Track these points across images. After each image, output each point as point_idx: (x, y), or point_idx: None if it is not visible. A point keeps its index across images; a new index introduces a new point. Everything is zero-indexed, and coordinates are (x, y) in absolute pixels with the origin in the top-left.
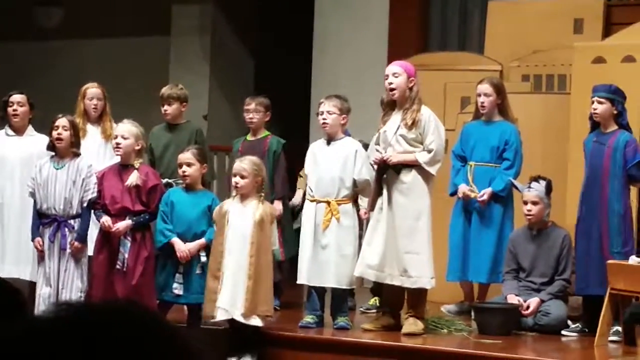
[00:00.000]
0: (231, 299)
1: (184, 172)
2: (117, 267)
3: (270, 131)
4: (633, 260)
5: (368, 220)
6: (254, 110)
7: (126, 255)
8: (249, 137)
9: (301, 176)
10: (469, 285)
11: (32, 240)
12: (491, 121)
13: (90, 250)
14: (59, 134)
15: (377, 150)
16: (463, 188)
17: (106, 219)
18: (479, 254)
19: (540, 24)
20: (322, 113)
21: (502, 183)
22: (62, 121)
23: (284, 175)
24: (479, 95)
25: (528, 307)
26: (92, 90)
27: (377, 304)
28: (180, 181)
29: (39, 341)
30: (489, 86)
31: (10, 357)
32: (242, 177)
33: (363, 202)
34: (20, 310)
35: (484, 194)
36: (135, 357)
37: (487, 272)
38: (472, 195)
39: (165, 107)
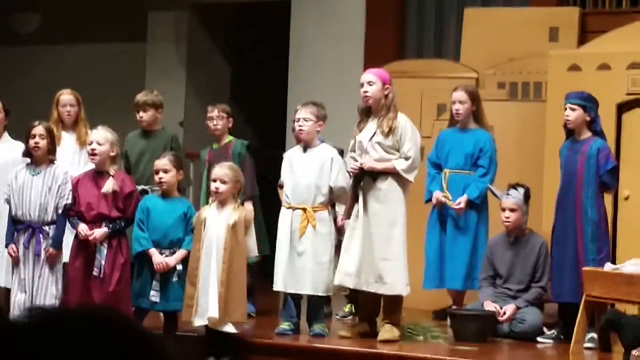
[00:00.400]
0: (206, 305)
1: (160, 178)
2: (94, 273)
3: (246, 138)
4: (608, 267)
5: (343, 227)
6: (217, 117)
7: (102, 262)
8: (215, 146)
9: (281, 187)
10: (452, 291)
11: (6, 246)
12: (466, 128)
13: (65, 257)
14: (36, 142)
15: (352, 158)
16: (437, 195)
17: (83, 227)
18: (453, 260)
19: (516, 31)
20: (298, 120)
21: (477, 190)
22: (39, 129)
23: (251, 176)
24: (454, 102)
25: (504, 314)
26: (65, 97)
27: (353, 311)
28: (156, 188)
29: (13, 346)
30: (464, 93)
31: None
32: (223, 182)
33: (340, 209)
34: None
35: (460, 202)
36: None
37: (462, 279)
38: (447, 202)
39: (141, 113)
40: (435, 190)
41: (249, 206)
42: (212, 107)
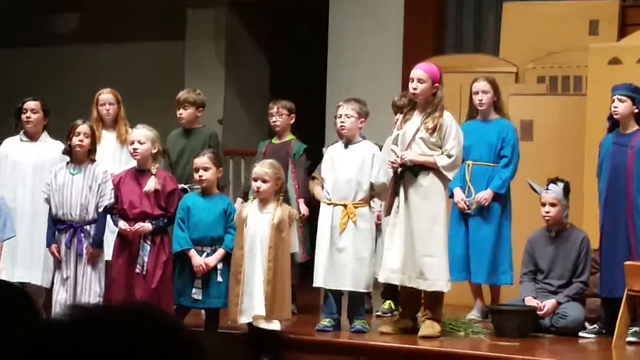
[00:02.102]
0: (251, 303)
1: (200, 176)
2: (137, 271)
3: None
4: None
5: (378, 224)
6: (277, 114)
7: (146, 259)
8: (275, 141)
9: (315, 177)
10: (476, 285)
11: (48, 246)
12: (488, 119)
13: (107, 255)
14: (80, 140)
15: (393, 151)
16: (458, 195)
17: (123, 224)
18: (477, 255)
19: (555, 25)
20: (340, 116)
21: (500, 180)
22: (84, 127)
23: (304, 177)
24: (477, 93)
25: (545, 308)
26: (104, 96)
27: (392, 307)
28: (197, 186)
29: (55, 343)
30: (487, 83)
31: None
32: (264, 181)
33: (375, 204)
34: (35, 316)
35: (484, 196)
36: None
37: (486, 273)
38: (469, 204)
39: (181, 110)
40: (455, 187)
41: (302, 206)
42: (272, 104)
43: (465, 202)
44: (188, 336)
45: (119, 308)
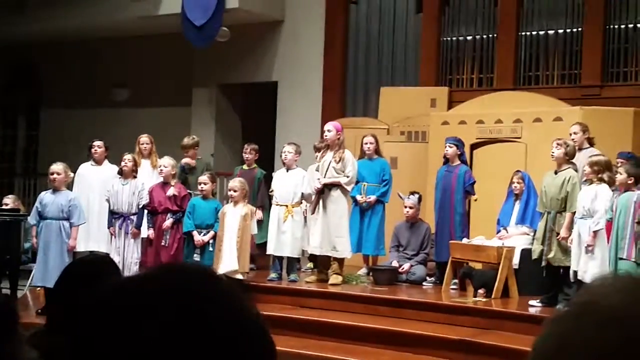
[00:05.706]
0: (227, 262)
1: (202, 188)
2: (162, 243)
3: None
4: (465, 240)
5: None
6: (248, 152)
7: (168, 237)
8: (245, 167)
9: (272, 190)
10: (365, 256)
11: (108, 228)
12: (373, 158)
13: (142, 234)
14: (125, 163)
15: (317, 178)
16: (359, 197)
17: (150, 233)
18: (367, 236)
19: (411, 100)
20: (285, 152)
21: (380, 192)
22: (129, 157)
23: (263, 192)
24: (366, 143)
25: (403, 269)
26: (142, 139)
27: (312, 266)
28: (197, 193)
29: (135, 294)
30: (372, 137)
31: (117, 308)
32: (235, 190)
33: (303, 205)
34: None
35: (371, 198)
36: (210, 301)
37: (372, 248)
38: (364, 201)
39: (191, 152)
40: (356, 194)
41: (259, 212)
42: (247, 146)
43: (363, 201)
44: (223, 280)
45: (180, 266)
